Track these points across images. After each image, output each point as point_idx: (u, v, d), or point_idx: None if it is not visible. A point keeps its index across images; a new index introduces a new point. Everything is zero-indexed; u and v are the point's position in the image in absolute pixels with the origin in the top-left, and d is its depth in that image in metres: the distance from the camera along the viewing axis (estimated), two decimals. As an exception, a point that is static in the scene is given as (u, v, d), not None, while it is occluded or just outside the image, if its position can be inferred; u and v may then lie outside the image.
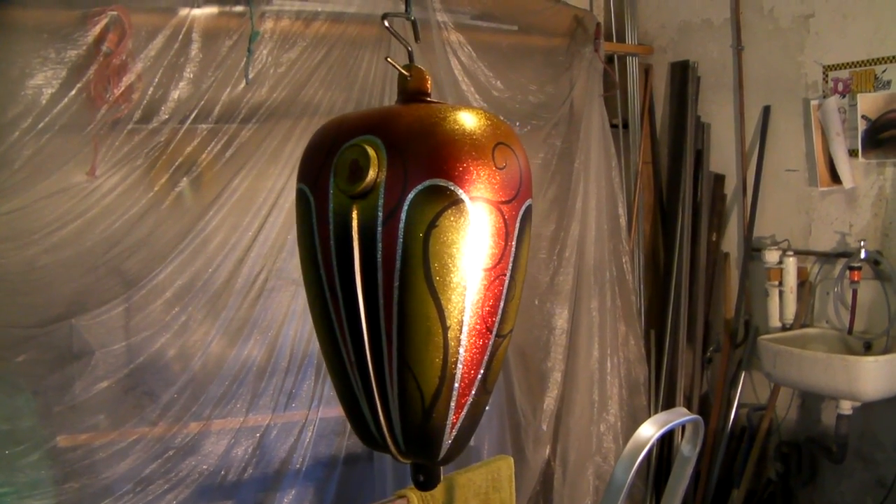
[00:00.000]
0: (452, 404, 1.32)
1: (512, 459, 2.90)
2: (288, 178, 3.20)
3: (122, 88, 2.89)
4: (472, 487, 2.71)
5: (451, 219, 1.26)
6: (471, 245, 1.27)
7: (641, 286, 4.68)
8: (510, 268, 1.33)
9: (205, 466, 3.08)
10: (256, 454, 3.21)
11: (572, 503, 4.03)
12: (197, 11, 3.02)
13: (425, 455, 1.38)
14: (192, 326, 3.08)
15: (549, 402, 4.01)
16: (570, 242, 4.10)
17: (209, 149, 3.08)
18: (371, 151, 1.28)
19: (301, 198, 1.36)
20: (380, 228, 1.28)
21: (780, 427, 4.34)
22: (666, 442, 4.57)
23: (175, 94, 3.00)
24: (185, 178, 3.05)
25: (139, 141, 2.95)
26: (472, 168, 1.27)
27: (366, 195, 1.28)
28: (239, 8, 3.10)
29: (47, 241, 2.81)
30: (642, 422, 1.87)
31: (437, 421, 1.32)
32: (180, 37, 2.99)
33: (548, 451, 4.04)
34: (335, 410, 3.37)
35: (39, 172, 2.78)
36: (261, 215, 3.18)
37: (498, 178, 1.29)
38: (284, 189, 3.20)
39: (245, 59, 3.05)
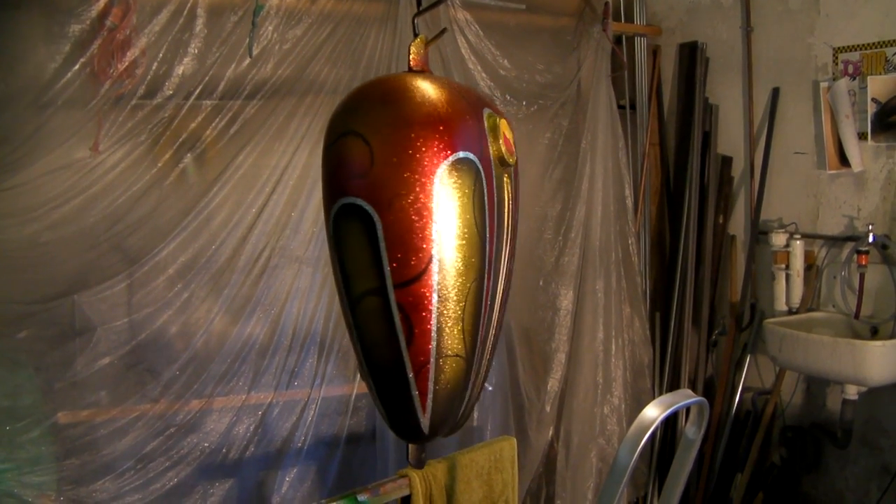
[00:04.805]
0: None
1: (515, 440, 2.90)
2: (293, 155, 3.19)
3: (126, 63, 2.87)
4: (475, 468, 2.71)
5: None
6: None
7: (647, 268, 4.66)
8: None
9: (206, 444, 3.08)
10: (258, 432, 3.21)
11: (575, 485, 4.03)
12: (202, -14, 3.00)
13: (461, 421, 1.42)
14: (195, 303, 3.07)
15: (553, 383, 4.00)
16: (576, 223, 4.08)
17: (213, 125, 3.07)
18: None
19: (468, 168, 1.30)
20: (513, 195, 1.41)
21: (784, 411, 4.32)
22: (670, 425, 4.56)
23: (179, 70, 2.98)
24: (188, 155, 3.04)
25: (143, 117, 2.94)
26: None
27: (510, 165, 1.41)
28: (245, -17, 3.08)
29: (50, 217, 2.81)
30: (646, 405, 1.85)
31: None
32: (185, 12, 2.98)
33: (551, 432, 4.03)
34: (338, 389, 3.37)
35: (42, 148, 2.77)
36: (265, 192, 3.17)
37: None
38: (289, 166, 3.19)
39: (249, 33, 3.03)
